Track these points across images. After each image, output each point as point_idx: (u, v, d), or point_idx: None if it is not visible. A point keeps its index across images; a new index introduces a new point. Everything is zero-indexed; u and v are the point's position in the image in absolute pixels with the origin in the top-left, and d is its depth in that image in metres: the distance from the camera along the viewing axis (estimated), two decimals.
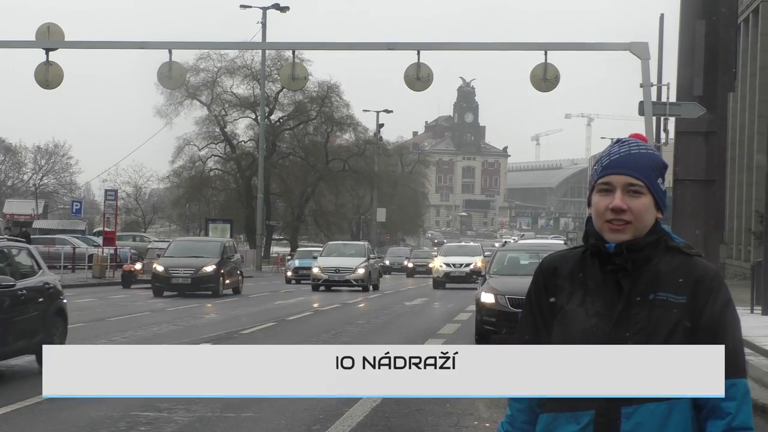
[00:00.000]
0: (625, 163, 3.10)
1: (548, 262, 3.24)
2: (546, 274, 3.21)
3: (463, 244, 54.23)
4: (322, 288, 39.88)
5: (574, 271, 3.17)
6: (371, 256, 42.40)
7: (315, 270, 40.37)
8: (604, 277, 3.12)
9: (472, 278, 40.14)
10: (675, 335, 3.02)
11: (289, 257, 57.13)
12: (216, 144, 70.34)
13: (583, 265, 3.17)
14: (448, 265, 42.04)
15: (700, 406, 3.02)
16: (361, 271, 39.92)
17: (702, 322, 3.04)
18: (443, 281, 41.76)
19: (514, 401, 3.22)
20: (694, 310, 3.05)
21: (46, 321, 14.56)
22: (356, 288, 39.97)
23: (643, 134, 3.34)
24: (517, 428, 3.20)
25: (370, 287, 40.21)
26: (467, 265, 41.95)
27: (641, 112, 21.48)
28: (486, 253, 50.54)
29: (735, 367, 3.00)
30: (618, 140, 3.19)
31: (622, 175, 3.08)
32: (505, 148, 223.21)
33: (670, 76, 34.11)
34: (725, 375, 2.95)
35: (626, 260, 3.08)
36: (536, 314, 3.20)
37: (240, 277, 37.08)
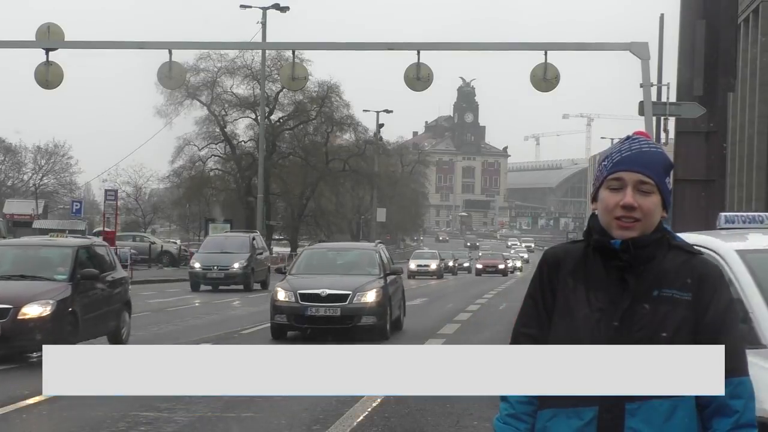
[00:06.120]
0: (637, 160, 3.10)
1: (552, 255, 3.23)
2: (550, 267, 3.19)
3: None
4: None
5: (577, 265, 3.15)
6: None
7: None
8: (608, 272, 3.11)
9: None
10: (682, 331, 3.03)
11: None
12: (216, 144, 70.22)
13: (586, 260, 3.15)
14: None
15: (703, 405, 3.02)
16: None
17: (706, 319, 3.05)
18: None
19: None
20: (698, 307, 3.06)
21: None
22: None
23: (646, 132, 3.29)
24: (520, 419, 3.16)
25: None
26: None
27: (641, 112, 21.46)
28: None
29: (741, 365, 3.03)
30: (629, 137, 3.18)
31: (634, 173, 3.08)
32: (505, 148, 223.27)
33: (670, 76, 34.07)
34: (732, 373, 2.98)
35: (632, 257, 3.08)
36: (540, 308, 3.18)
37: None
